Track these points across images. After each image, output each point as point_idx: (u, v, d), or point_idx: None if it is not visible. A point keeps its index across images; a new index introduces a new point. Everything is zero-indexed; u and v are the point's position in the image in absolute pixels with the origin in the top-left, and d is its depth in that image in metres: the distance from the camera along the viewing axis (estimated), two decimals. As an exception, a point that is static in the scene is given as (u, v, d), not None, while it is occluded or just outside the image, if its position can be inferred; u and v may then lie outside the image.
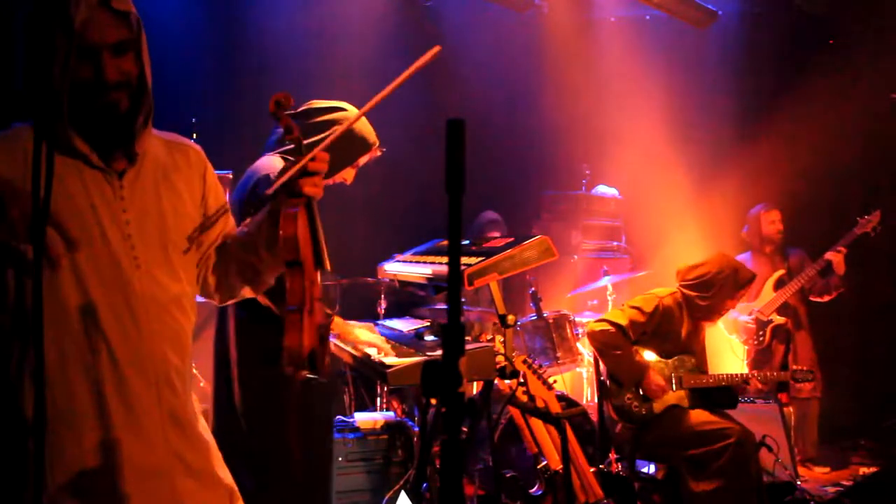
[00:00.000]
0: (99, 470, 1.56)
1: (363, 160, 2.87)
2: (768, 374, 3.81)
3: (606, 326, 3.59)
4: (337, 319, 2.80)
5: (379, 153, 2.88)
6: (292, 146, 1.84)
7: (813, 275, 5.00)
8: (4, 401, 1.54)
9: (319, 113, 2.73)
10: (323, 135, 2.53)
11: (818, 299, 5.15)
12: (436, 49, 1.64)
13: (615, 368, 3.62)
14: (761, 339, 5.04)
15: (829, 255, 4.89)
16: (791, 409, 4.92)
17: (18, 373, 1.54)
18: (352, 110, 2.78)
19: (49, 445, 1.47)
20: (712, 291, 3.65)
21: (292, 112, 2.80)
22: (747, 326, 5.11)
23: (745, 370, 4.68)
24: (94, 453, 1.56)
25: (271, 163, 2.73)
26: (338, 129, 1.89)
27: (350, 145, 2.78)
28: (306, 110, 2.78)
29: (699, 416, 3.55)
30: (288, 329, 1.70)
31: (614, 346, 3.56)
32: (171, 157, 1.77)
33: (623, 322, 3.58)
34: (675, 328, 3.68)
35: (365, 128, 2.80)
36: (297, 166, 1.74)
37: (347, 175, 2.89)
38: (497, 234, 5.07)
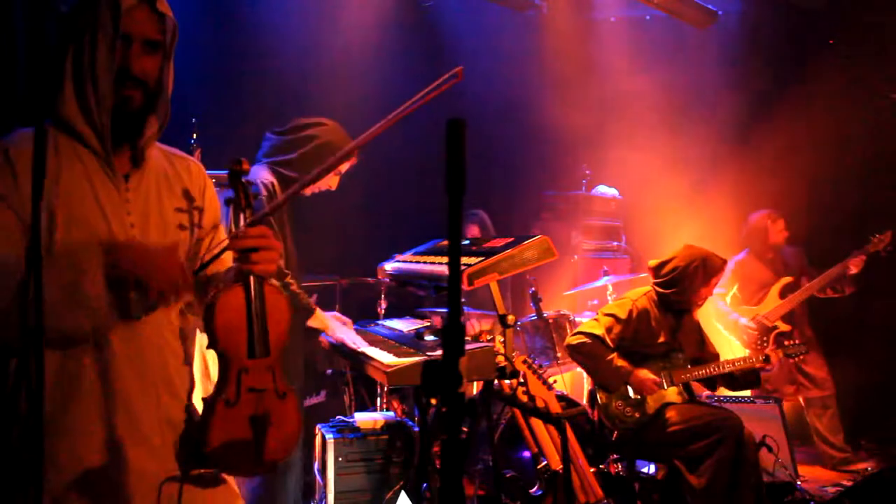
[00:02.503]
0: (99, 473, 1.56)
1: (343, 167, 3.11)
2: (759, 355, 3.77)
3: (583, 339, 3.60)
4: (318, 313, 2.92)
5: (355, 160, 3.12)
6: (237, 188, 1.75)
7: (823, 285, 4.99)
8: (8, 401, 1.56)
9: (301, 129, 3.03)
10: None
11: (824, 296, 5.14)
12: (457, 70, 1.62)
13: (599, 377, 3.62)
14: (764, 344, 5.03)
15: (850, 263, 4.86)
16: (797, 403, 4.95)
17: (21, 374, 1.55)
18: (330, 124, 3.07)
19: (51, 447, 1.49)
20: (683, 285, 3.66)
21: (280, 130, 3.07)
22: (748, 330, 5.10)
23: None
24: (95, 456, 1.57)
25: (258, 173, 2.90)
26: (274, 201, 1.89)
27: (325, 156, 2.96)
28: (292, 126, 3.07)
29: (690, 412, 3.55)
30: (200, 417, 1.63)
31: (593, 356, 3.57)
32: (172, 167, 1.79)
33: (599, 331, 3.59)
34: (655, 327, 3.69)
35: (344, 140, 3.03)
36: (221, 247, 1.68)
37: (331, 182, 3.13)
38: (476, 230, 5.08)
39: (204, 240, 1.83)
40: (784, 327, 5.05)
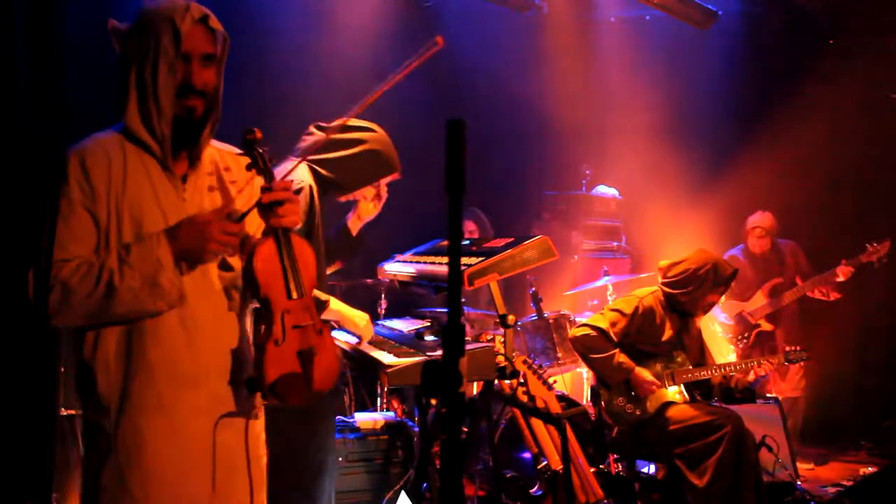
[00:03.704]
0: (156, 435, 1.80)
1: (384, 182, 3.00)
2: (760, 359, 3.81)
3: (587, 331, 3.60)
4: (333, 304, 2.82)
5: (398, 175, 3.02)
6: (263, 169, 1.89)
7: (810, 286, 5.03)
8: (85, 376, 1.82)
9: (348, 130, 2.87)
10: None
11: (811, 295, 5.17)
12: (437, 40, 1.76)
13: (600, 371, 3.62)
14: (745, 340, 5.08)
15: (838, 271, 4.91)
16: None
17: (93, 355, 1.80)
18: (379, 131, 2.93)
19: (118, 411, 1.78)
20: (692, 287, 3.66)
21: (326, 127, 2.95)
22: (726, 326, 5.18)
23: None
24: (153, 421, 1.79)
25: (295, 171, 2.78)
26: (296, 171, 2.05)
27: (373, 166, 2.91)
28: (339, 125, 2.91)
29: (690, 411, 3.56)
30: (255, 358, 1.85)
31: (596, 349, 3.57)
32: (224, 162, 1.99)
33: (604, 325, 3.59)
34: (659, 326, 3.69)
35: (391, 152, 2.93)
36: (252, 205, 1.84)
37: (367, 193, 3.02)
38: (472, 225, 5.08)
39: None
40: (767, 326, 5.12)
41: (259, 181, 1.96)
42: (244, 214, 1.85)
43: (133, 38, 1.80)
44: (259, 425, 2.01)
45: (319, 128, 2.94)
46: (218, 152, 1.98)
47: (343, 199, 3.00)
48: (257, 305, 2.01)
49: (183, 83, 1.80)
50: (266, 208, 1.81)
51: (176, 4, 1.80)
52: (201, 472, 1.84)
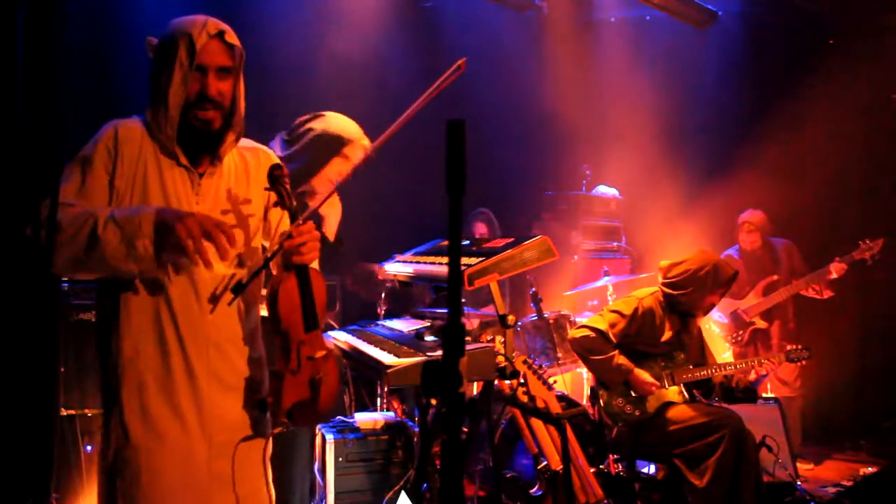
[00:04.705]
0: (159, 400, 1.93)
1: (355, 157, 3.01)
2: (761, 358, 3.81)
3: (587, 332, 3.59)
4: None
5: (373, 154, 2.90)
6: (285, 190, 1.99)
7: (804, 285, 5.03)
8: (104, 341, 1.98)
9: (300, 125, 2.98)
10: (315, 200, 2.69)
11: (805, 293, 5.18)
12: (460, 64, 1.88)
13: (599, 372, 3.62)
14: (740, 338, 5.07)
15: (831, 268, 4.91)
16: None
17: (107, 352, 1.96)
18: (329, 115, 3.02)
19: (122, 376, 1.92)
20: (691, 288, 3.65)
21: (290, 133, 3.05)
22: (721, 324, 5.20)
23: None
24: (154, 389, 1.93)
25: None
26: (319, 197, 2.05)
27: (321, 148, 2.99)
28: (294, 124, 3.04)
29: (690, 412, 3.55)
30: (270, 386, 1.98)
31: (596, 350, 3.57)
32: (243, 161, 2.11)
33: (603, 326, 3.59)
34: (659, 326, 3.68)
35: (337, 130, 2.98)
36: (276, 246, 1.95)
37: (342, 168, 3.00)
38: (484, 227, 5.07)
39: (271, 220, 2.13)
40: (762, 324, 5.12)
41: (285, 218, 2.07)
42: (244, 285, 1.94)
43: (159, 50, 1.97)
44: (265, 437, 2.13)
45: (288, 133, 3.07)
46: (240, 151, 2.09)
47: (320, 186, 3.00)
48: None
49: (199, 93, 1.94)
50: (290, 249, 1.92)
51: (196, 20, 1.95)
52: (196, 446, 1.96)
